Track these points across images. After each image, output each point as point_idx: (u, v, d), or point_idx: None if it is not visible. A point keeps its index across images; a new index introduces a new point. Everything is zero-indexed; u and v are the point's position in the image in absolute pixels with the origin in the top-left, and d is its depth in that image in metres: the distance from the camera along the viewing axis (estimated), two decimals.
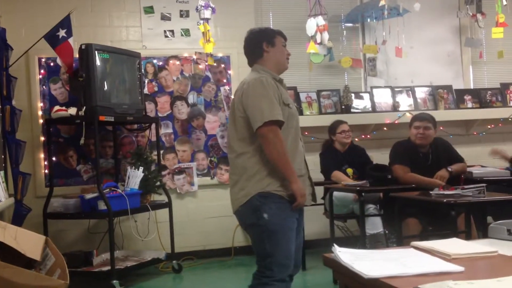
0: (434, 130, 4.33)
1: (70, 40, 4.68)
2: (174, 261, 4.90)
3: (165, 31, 5.41)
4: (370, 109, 5.82)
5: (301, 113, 5.63)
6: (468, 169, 4.47)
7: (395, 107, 5.88)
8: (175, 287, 4.72)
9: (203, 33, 5.01)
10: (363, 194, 4.11)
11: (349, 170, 4.81)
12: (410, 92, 5.99)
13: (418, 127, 4.29)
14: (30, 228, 3.31)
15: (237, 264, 5.26)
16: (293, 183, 2.63)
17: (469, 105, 6.08)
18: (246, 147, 2.72)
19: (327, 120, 5.31)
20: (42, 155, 4.99)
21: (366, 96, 5.87)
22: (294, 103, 3.03)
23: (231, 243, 5.43)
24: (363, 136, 5.73)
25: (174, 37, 5.42)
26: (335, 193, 4.53)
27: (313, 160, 5.21)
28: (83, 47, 4.48)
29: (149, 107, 5.29)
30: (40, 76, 5.04)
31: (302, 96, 5.72)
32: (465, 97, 6.09)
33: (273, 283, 2.64)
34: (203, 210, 5.39)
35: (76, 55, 4.63)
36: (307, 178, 2.83)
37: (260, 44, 2.89)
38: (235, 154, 2.76)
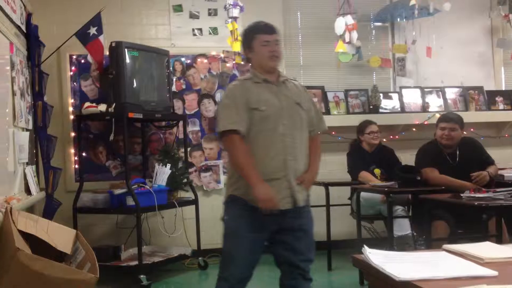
0: (460, 131, 4.25)
1: (101, 38, 4.74)
2: (200, 258, 4.93)
3: (193, 29, 5.44)
4: (399, 109, 5.76)
5: (328, 112, 5.60)
6: (500, 172, 4.39)
7: (424, 108, 5.81)
8: (201, 283, 4.75)
9: (231, 31, 5.03)
10: (391, 195, 4.07)
11: (377, 171, 4.76)
12: (440, 92, 5.91)
13: (443, 128, 4.23)
14: (60, 222, 3.36)
15: (261, 262, 5.23)
16: (254, 189, 2.61)
17: (501, 106, 5.97)
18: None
19: (354, 120, 5.27)
20: (72, 151, 5.08)
21: (395, 96, 5.81)
22: (314, 102, 2.98)
23: None
24: (391, 137, 5.67)
25: (202, 35, 5.45)
26: (362, 194, 4.49)
27: (340, 160, 5.18)
28: (113, 44, 4.54)
29: (177, 104, 5.32)
30: (71, 73, 5.12)
31: (330, 96, 5.69)
32: (497, 98, 5.99)
33: (220, 280, 2.82)
34: None
35: (106, 53, 4.70)
36: (285, 180, 2.71)
37: (244, 51, 2.90)
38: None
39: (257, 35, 2.80)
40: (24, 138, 3.95)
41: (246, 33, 2.88)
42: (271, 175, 2.68)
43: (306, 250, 2.82)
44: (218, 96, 5.44)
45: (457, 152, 4.24)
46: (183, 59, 5.39)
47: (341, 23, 5.36)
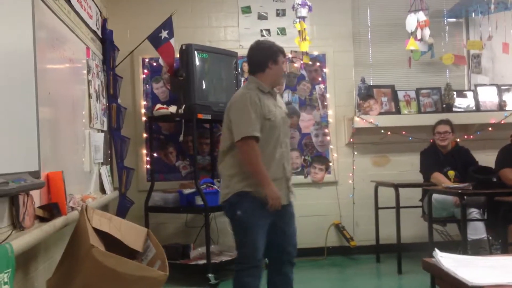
0: None
1: (172, 41, 4.86)
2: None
3: (261, 30, 5.47)
4: (474, 108, 5.53)
5: (398, 111, 5.47)
6: None
7: (501, 106, 5.55)
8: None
9: (299, 31, 5.01)
10: (465, 197, 3.91)
11: (451, 173, 4.57)
12: None
13: None
14: (132, 220, 3.48)
15: (329, 264, 5.21)
16: (266, 188, 3.02)
17: None
18: (230, 151, 3.13)
19: (426, 120, 5.12)
20: (144, 151, 5.23)
21: (469, 94, 5.58)
22: None
23: (324, 242, 5.38)
24: (465, 137, 5.46)
25: (270, 36, 5.46)
26: (435, 195, 4.35)
27: (411, 161, 5.06)
28: (183, 47, 4.64)
29: None
30: (144, 76, 5.28)
31: (400, 95, 5.55)
32: None
33: (249, 269, 3.14)
34: (296, 209, 5.26)
35: (177, 55, 4.81)
36: (284, 180, 3.17)
37: (266, 61, 3.17)
38: (224, 155, 3.17)
39: (281, 54, 3.21)
40: (99, 139, 4.12)
41: (274, 47, 3.22)
42: (274, 176, 3.10)
43: (293, 234, 3.28)
44: (285, 96, 5.44)
45: None
46: None
47: (412, 20, 5.21)
